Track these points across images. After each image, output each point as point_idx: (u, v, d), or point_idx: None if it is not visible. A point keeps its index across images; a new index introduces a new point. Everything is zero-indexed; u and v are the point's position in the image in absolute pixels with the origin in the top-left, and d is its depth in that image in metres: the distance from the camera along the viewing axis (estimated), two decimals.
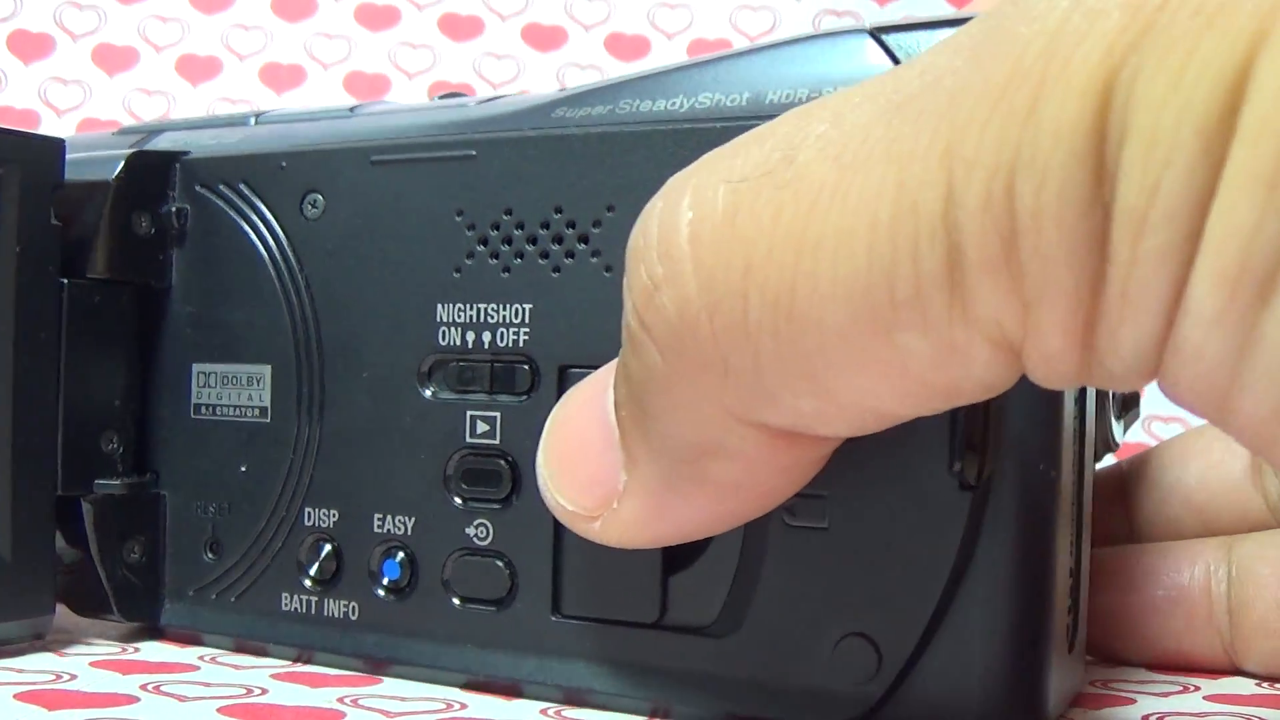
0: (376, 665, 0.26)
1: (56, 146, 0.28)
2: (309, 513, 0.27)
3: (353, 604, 0.26)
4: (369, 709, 0.23)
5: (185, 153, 0.29)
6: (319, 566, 0.26)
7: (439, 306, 0.25)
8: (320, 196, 0.27)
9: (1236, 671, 0.29)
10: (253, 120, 0.30)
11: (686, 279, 0.17)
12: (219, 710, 0.23)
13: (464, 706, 0.24)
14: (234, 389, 0.28)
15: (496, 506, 0.25)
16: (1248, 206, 0.13)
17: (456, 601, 0.25)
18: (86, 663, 0.26)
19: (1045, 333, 0.15)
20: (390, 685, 0.25)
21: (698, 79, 0.23)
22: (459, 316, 0.25)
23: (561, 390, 0.23)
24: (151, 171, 0.29)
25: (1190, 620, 0.29)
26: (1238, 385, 0.14)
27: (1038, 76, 0.14)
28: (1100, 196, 0.14)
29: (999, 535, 0.21)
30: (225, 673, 0.26)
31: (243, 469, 0.27)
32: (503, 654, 0.25)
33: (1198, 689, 0.27)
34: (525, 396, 0.24)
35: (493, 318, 0.25)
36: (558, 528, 0.23)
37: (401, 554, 0.25)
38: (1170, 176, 0.14)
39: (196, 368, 0.28)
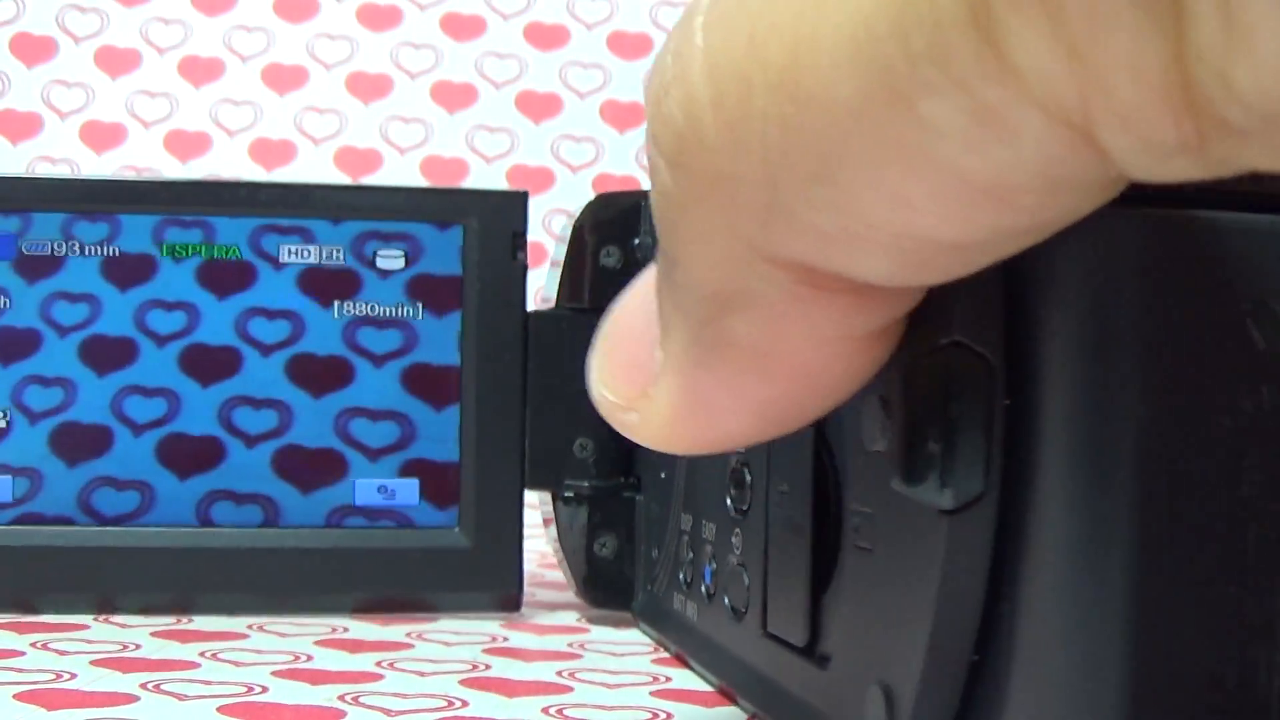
0: (684, 662, 0.28)
1: (518, 198, 0.33)
2: (684, 518, 0.29)
3: (691, 604, 0.28)
4: (370, 707, 0.23)
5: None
6: (684, 568, 0.29)
7: None
8: None
9: None
10: None
11: (693, 72, 0.14)
12: (219, 709, 0.23)
13: (465, 704, 0.24)
14: None
15: (742, 517, 0.25)
16: None
17: (726, 607, 0.26)
18: (87, 662, 0.26)
19: (1109, 79, 0.11)
20: (391, 682, 0.25)
21: None
22: None
23: None
24: (617, 212, 0.33)
25: None
26: None
27: None
28: None
29: (1043, 574, 0.16)
30: (226, 670, 0.26)
31: (663, 475, 0.31)
32: (737, 664, 0.25)
33: None
34: None
35: None
36: (768, 540, 0.23)
37: (712, 559, 0.27)
38: None
39: None
